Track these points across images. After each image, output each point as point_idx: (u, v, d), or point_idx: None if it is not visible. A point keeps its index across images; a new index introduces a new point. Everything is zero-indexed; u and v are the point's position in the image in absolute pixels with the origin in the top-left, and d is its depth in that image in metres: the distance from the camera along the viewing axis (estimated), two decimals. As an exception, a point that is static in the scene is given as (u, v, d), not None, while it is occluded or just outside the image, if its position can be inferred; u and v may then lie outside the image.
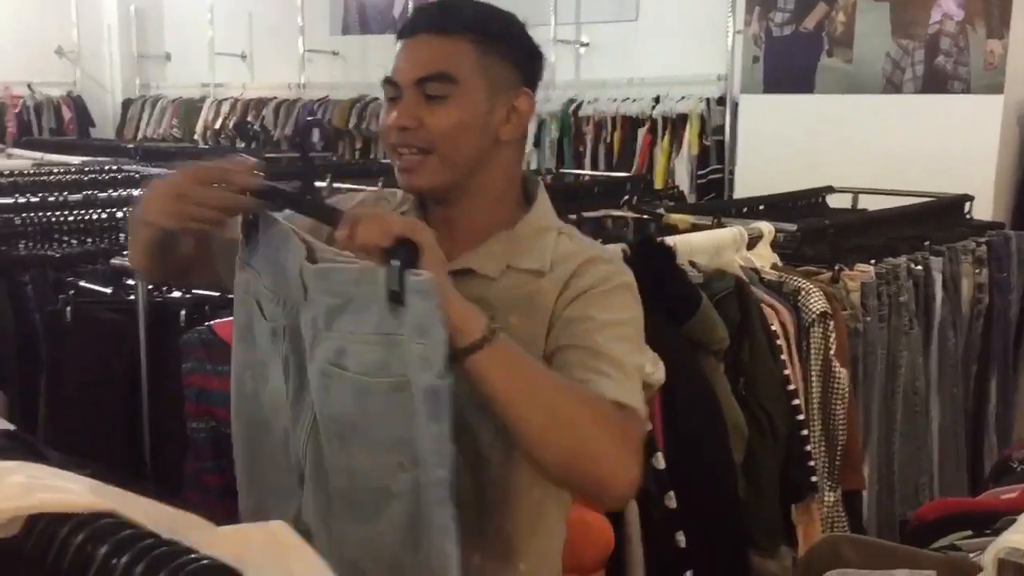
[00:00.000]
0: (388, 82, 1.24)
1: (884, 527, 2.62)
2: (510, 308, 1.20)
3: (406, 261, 0.98)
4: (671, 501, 1.80)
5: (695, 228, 2.67)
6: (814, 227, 2.62)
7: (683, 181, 5.25)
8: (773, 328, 2.09)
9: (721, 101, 5.26)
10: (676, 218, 2.68)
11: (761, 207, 3.44)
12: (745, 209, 3.31)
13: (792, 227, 2.57)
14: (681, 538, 1.80)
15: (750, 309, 2.02)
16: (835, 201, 3.85)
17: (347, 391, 1.06)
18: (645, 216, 2.74)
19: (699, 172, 5.24)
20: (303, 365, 1.12)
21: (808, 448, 2.15)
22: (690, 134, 5.26)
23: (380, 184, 3.36)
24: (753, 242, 2.45)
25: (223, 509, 1.64)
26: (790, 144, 4.70)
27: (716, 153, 5.26)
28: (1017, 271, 3.32)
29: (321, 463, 1.14)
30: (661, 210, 2.73)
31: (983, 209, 3.79)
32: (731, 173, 5.21)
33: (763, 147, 4.85)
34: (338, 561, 1.00)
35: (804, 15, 4.63)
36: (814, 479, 2.15)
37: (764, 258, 2.45)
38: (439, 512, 1.03)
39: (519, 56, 1.26)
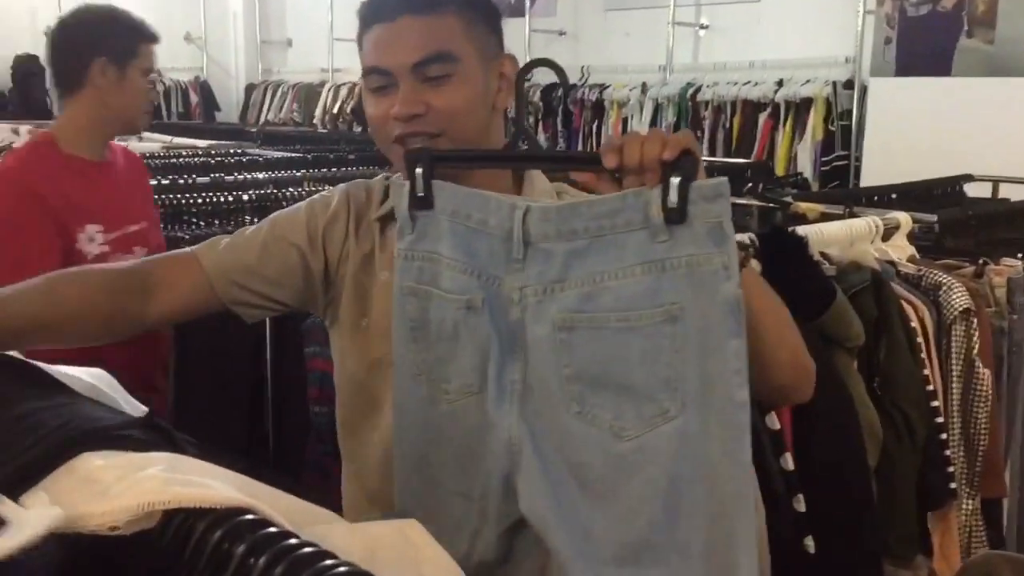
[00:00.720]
0: (375, 71, 1.17)
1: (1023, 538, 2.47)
2: None
3: (688, 173, 0.92)
4: (800, 504, 1.72)
5: (824, 217, 2.56)
6: (955, 218, 2.47)
7: (806, 168, 5.07)
8: (912, 325, 1.97)
9: (848, 85, 5.05)
10: (805, 207, 2.56)
11: (894, 195, 3.28)
12: (876, 198, 3.16)
13: (931, 218, 2.43)
14: (810, 543, 1.72)
15: (888, 305, 1.91)
16: (973, 190, 3.66)
17: (597, 338, 0.96)
18: (771, 204, 2.63)
19: (823, 159, 5.05)
20: (514, 336, 1.00)
21: (947, 453, 2.03)
22: (815, 119, 5.07)
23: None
24: (889, 233, 2.32)
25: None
26: (923, 130, 4.48)
27: (842, 139, 5.06)
28: None
29: (545, 441, 0.99)
30: (788, 198, 2.62)
31: None
32: (858, 160, 5.00)
33: (894, 133, 4.63)
34: (576, 550, 0.95)
35: (942, -7, 4.40)
36: (953, 486, 2.03)
37: (901, 250, 2.32)
38: (733, 454, 0.93)
39: (494, 21, 1.23)
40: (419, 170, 1.06)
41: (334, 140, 6.25)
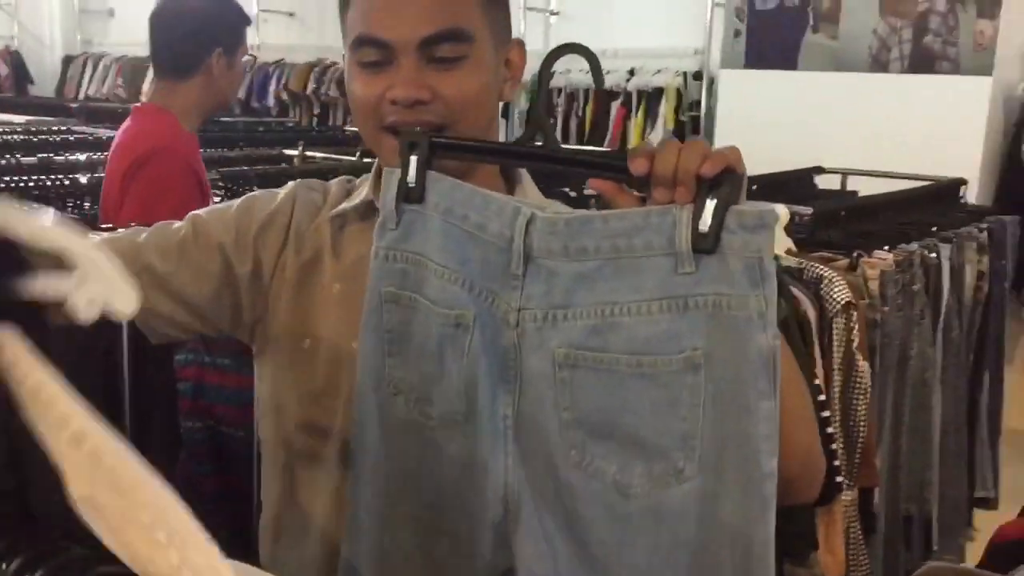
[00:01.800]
0: (370, 42, 0.98)
1: (891, 525, 2.53)
2: None
3: (727, 196, 0.77)
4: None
5: (704, 209, 2.54)
6: (829, 211, 2.50)
7: (657, 157, 5.13)
8: (804, 321, 1.96)
9: (698, 76, 5.14)
10: (684, 198, 2.53)
11: (754, 187, 3.33)
12: (740, 189, 3.20)
13: (807, 210, 2.45)
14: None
15: (786, 301, 1.88)
16: (823, 182, 3.77)
17: (604, 381, 0.80)
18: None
19: (674, 148, 5.12)
20: (507, 364, 0.84)
21: (834, 447, 2.03)
22: (666, 109, 5.13)
23: (358, 155, 3.16)
24: (768, 226, 2.32)
25: (219, 515, 1.48)
26: (771, 121, 4.59)
27: (692, 129, 5.15)
28: (1010, 259, 3.28)
29: (543, 492, 0.84)
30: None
31: (969, 192, 3.74)
32: (707, 150, 5.10)
33: (743, 124, 4.73)
34: None
35: (790, -11, 4.51)
36: (839, 479, 2.04)
37: (780, 243, 2.32)
38: (754, 528, 0.78)
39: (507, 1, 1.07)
40: (414, 156, 0.90)
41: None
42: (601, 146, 5.24)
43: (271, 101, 6.83)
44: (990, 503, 3.20)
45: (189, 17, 2.13)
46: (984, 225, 3.05)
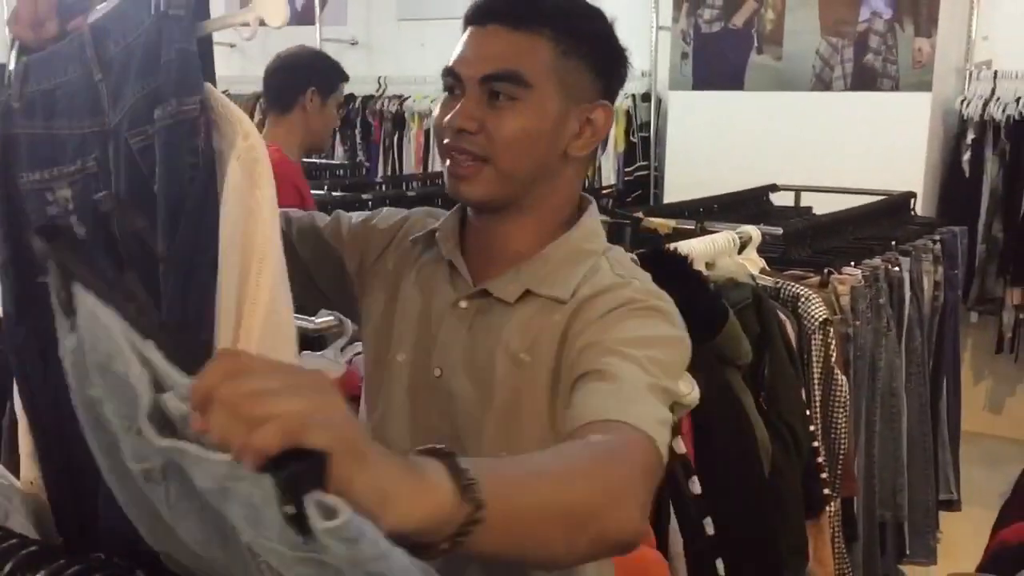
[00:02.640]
0: (449, 73, 1.09)
1: (869, 532, 2.61)
2: (523, 341, 1.07)
3: (305, 479, 0.55)
4: (709, 527, 1.71)
5: (677, 233, 2.60)
6: (798, 230, 2.57)
7: (609, 179, 5.20)
8: (789, 339, 2.03)
9: (647, 97, 5.22)
10: (657, 222, 2.59)
11: (715, 206, 3.41)
12: (701, 209, 3.27)
13: (778, 230, 2.52)
14: (720, 566, 1.72)
15: (770, 321, 1.95)
16: (777, 198, 3.87)
17: None
18: (621, 221, 2.65)
19: (626, 169, 5.19)
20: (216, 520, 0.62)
21: (820, 460, 2.10)
22: (617, 131, 5.19)
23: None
24: (742, 247, 2.39)
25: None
26: (721, 141, 4.70)
27: (642, 150, 5.22)
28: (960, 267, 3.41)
29: None
30: (639, 213, 2.64)
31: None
32: (657, 170, 5.19)
33: (693, 144, 4.84)
34: None
35: (733, 12, 4.63)
36: (826, 491, 2.11)
37: (754, 263, 2.39)
38: None
39: (602, 62, 1.12)
40: (54, 263, 0.69)
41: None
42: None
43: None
44: (953, 505, 3.31)
45: (290, 62, 2.68)
46: (937, 237, 3.17)
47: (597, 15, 1.14)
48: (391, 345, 1.18)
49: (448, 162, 1.09)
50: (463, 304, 1.13)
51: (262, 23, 0.98)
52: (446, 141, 1.08)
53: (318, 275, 1.27)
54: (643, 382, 0.95)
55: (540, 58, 1.06)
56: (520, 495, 0.73)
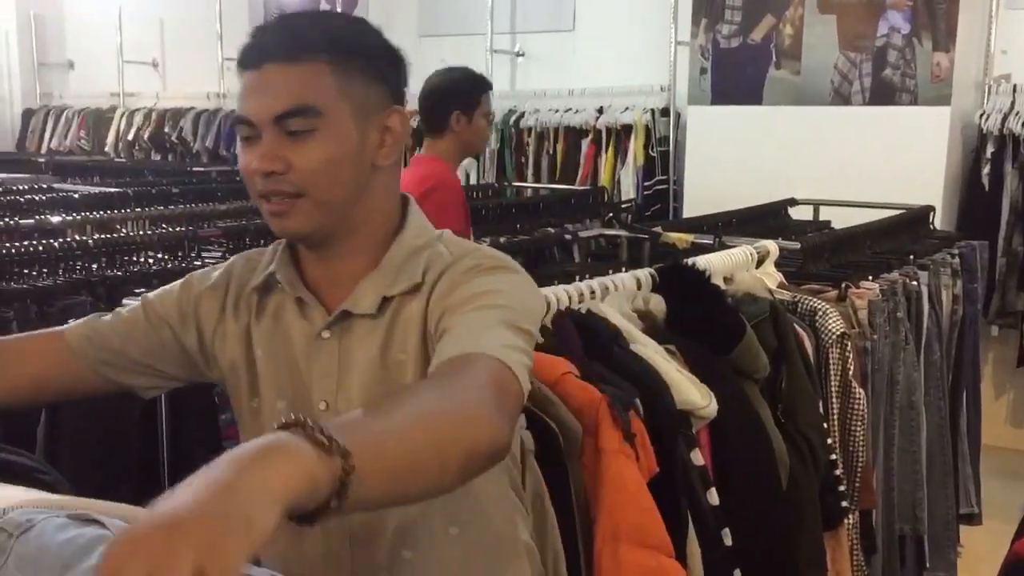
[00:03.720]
0: (241, 121, 1.10)
1: (888, 545, 2.61)
2: (395, 343, 1.12)
3: None
4: (727, 538, 1.73)
5: (695, 247, 2.63)
6: (815, 244, 2.59)
7: (628, 192, 5.23)
8: (806, 353, 2.05)
9: (666, 112, 5.26)
10: (675, 237, 2.62)
11: (734, 221, 3.43)
12: (719, 224, 3.30)
13: (796, 245, 2.54)
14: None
15: (787, 334, 1.97)
16: (795, 212, 3.89)
17: None
18: (640, 235, 2.67)
19: (645, 183, 5.22)
20: None
21: (838, 472, 2.11)
22: (635, 145, 5.23)
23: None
24: (759, 261, 2.41)
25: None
26: (739, 155, 4.72)
27: (662, 164, 5.25)
28: (980, 282, 3.41)
29: None
30: (659, 228, 2.66)
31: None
32: (676, 184, 5.21)
33: (711, 159, 4.86)
34: None
35: (751, 27, 4.66)
36: (845, 504, 2.12)
37: (771, 277, 2.42)
38: None
39: (382, 70, 1.14)
40: None
41: (137, 171, 5.86)
42: (573, 183, 5.33)
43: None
44: (974, 519, 3.30)
45: (434, 91, 2.93)
46: (955, 251, 3.18)
47: (365, 28, 1.17)
48: (264, 396, 1.20)
49: (265, 204, 1.11)
50: (325, 335, 1.15)
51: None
52: (258, 187, 1.10)
53: (160, 364, 1.25)
54: (492, 319, 1.02)
55: (324, 85, 1.08)
56: (383, 438, 0.78)
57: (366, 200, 1.14)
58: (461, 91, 2.93)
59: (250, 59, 1.10)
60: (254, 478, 0.63)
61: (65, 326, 1.27)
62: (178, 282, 1.27)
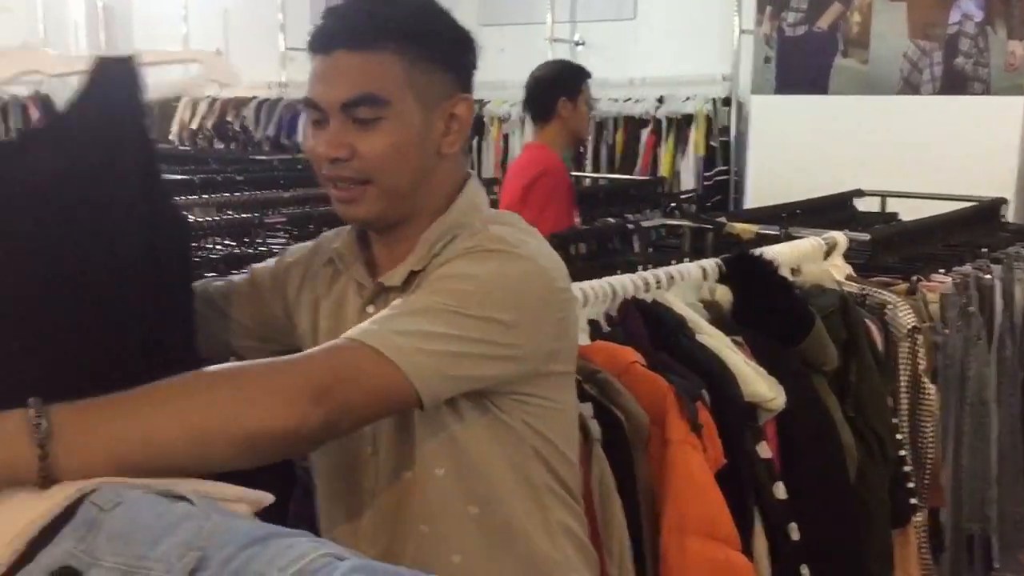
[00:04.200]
0: (310, 105, 1.11)
1: (956, 544, 2.56)
2: None
3: None
4: (794, 533, 1.70)
5: (760, 238, 2.59)
6: (885, 236, 2.54)
7: (688, 183, 5.18)
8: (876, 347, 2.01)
9: (727, 102, 5.19)
10: (740, 228, 2.58)
11: (798, 212, 3.37)
12: (784, 215, 3.24)
13: (864, 236, 2.49)
14: (805, 572, 1.71)
15: (856, 327, 1.93)
16: (861, 203, 3.81)
17: None
18: (704, 225, 2.64)
19: (706, 173, 5.17)
20: None
21: (907, 469, 2.07)
22: (696, 135, 5.18)
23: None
24: (827, 252, 2.37)
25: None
26: (803, 145, 4.65)
27: (722, 154, 5.20)
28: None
29: None
30: (722, 218, 2.63)
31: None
32: (737, 175, 5.15)
33: (775, 148, 4.79)
34: None
35: (818, 15, 4.57)
36: (913, 501, 2.08)
37: (839, 269, 2.37)
38: None
39: (450, 58, 1.13)
40: None
41: (200, 159, 5.95)
42: (631, 173, 5.30)
43: (301, 137, 6.93)
44: (1045, 520, 3.22)
45: (541, 81, 3.07)
46: (1030, 244, 3.09)
47: (435, 13, 1.15)
48: None
49: (332, 189, 1.12)
50: (369, 309, 1.16)
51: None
52: (324, 171, 1.11)
53: (259, 328, 1.30)
54: (423, 304, 1.03)
55: (391, 73, 1.08)
56: (113, 417, 0.82)
57: (430, 186, 1.15)
58: (565, 78, 3.09)
59: (320, 44, 1.10)
60: None
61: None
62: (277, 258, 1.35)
